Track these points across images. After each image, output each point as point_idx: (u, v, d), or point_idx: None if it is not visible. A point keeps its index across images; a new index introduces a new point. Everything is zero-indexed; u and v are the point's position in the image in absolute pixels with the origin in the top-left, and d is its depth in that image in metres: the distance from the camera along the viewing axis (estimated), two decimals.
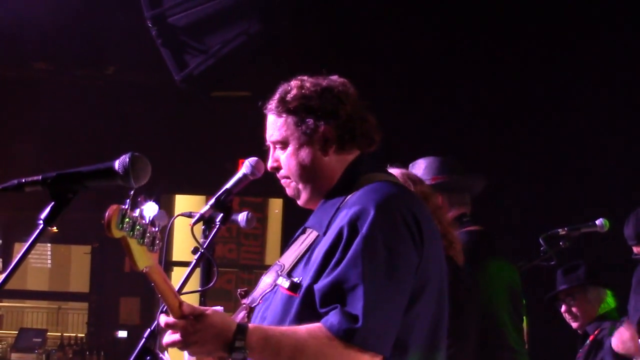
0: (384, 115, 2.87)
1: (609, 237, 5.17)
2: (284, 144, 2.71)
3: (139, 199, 2.19)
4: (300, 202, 2.78)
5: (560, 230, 5.08)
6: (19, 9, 7.17)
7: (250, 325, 2.43)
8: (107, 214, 2.09)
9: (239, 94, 8.89)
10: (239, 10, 6.53)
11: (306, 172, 2.70)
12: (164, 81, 7.20)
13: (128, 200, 2.13)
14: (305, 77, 2.74)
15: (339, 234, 2.50)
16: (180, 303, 2.38)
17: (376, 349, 2.42)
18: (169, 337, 2.40)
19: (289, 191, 2.76)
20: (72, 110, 9.06)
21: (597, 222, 5.09)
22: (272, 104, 2.72)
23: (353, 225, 2.49)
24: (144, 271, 2.26)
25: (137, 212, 2.17)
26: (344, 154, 2.70)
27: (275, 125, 2.72)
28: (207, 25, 6.56)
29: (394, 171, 3.34)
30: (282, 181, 2.77)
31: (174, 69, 6.69)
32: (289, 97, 2.70)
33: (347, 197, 2.60)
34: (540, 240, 5.07)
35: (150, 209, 2.23)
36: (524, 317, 4.53)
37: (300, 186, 2.73)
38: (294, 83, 2.72)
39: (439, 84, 7.75)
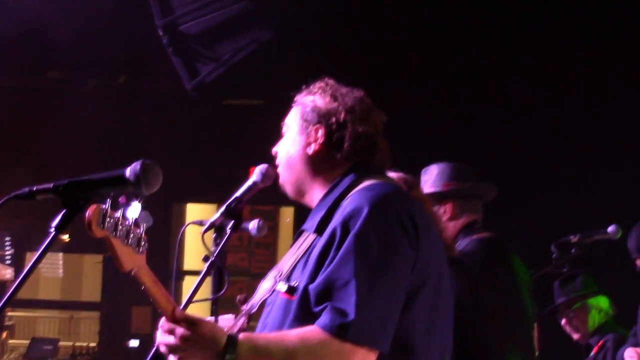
0: (395, 121, 2.88)
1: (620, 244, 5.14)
2: (287, 130, 2.82)
3: (119, 200, 2.20)
4: (288, 194, 2.84)
5: (572, 237, 5.06)
6: (32, 20, 7.20)
7: (240, 335, 2.41)
8: (87, 213, 2.10)
9: (250, 102, 8.91)
10: (250, 18, 6.53)
11: (288, 160, 2.78)
12: (175, 90, 7.20)
13: (108, 200, 2.14)
14: (330, 81, 2.83)
15: (333, 234, 2.50)
16: (174, 307, 2.38)
17: (370, 342, 2.40)
18: (162, 337, 2.40)
19: (279, 180, 2.85)
20: (84, 120, 9.09)
21: (610, 229, 5.07)
22: (298, 95, 2.84)
23: (346, 224, 2.49)
24: (132, 273, 2.26)
25: (119, 213, 2.17)
26: (333, 160, 2.73)
27: (290, 113, 2.84)
28: (218, 33, 6.57)
29: (391, 175, 3.35)
30: (278, 169, 2.86)
31: (185, 77, 6.69)
32: (309, 93, 2.81)
33: (342, 200, 2.62)
34: (553, 247, 5.05)
35: (134, 210, 2.23)
36: (535, 324, 4.51)
37: (282, 173, 2.81)
38: (319, 83, 2.82)
39: (452, 90, 7.74)
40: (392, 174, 3.38)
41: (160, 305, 2.37)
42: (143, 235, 2.27)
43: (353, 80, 2.87)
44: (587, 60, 7.34)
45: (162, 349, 2.42)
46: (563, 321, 5.53)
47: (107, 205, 2.13)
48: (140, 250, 2.27)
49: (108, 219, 2.14)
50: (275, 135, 2.89)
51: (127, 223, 2.21)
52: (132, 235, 2.23)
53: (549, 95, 7.59)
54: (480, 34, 7.35)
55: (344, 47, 7.49)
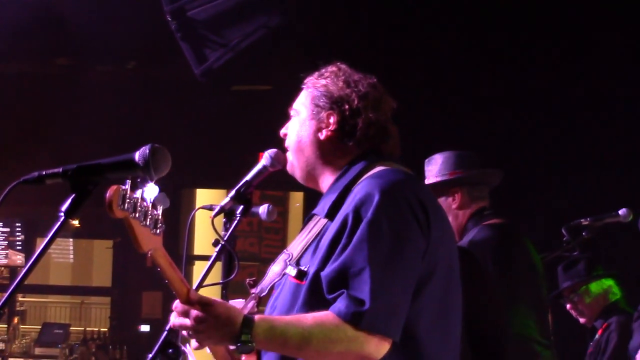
0: (400, 108, 2.87)
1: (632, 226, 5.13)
2: (297, 113, 2.80)
3: (138, 181, 2.20)
4: (297, 178, 2.84)
5: (583, 220, 5.05)
6: (40, 6, 7.19)
7: (256, 316, 2.42)
8: (107, 194, 2.10)
9: (259, 87, 8.90)
10: (258, 3, 6.51)
11: (298, 144, 2.78)
12: (183, 75, 7.19)
13: (128, 181, 2.14)
14: (343, 66, 2.81)
15: (344, 220, 2.51)
16: (188, 289, 2.38)
17: (384, 331, 2.41)
18: (176, 319, 2.40)
19: (288, 164, 2.84)
20: (92, 106, 9.09)
21: (621, 212, 5.06)
22: (307, 78, 2.82)
23: (358, 211, 2.49)
24: (148, 254, 2.26)
25: (137, 194, 2.18)
26: (344, 146, 2.72)
27: (300, 96, 2.82)
28: (227, 18, 6.55)
29: None
30: (287, 153, 2.85)
31: (194, 63, 6.67)
32: (320, 77, 2.78)
33: (353, 185, 2.61)
34: (563, 230, 5.05)
35: (151, 191, 2.23)
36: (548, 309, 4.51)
37: (292, 157, 2.81)
38: (331, 67, 2.80)
39: (456, 77, 7.72)
40: None
41: (175, 287, 2.37)
42: (160, 217, 2.27)
43: (361, 66, 2.86)
44: (598, 43, 7.30)
45: (174, 325, 2.42)
46: (568, 305, 5.53)
47: (126, 186, 2.13)
48: (157, 231, 2.27)
49: (127, 200, 2.14)
50: (284, 120, 2.89)
51: (145, 204, 2.21)
52: (149, 217, 2.23)
53: (559, 77, 7.56)
54: (488, 19, 7.31)
55: (353, 32, 7.47)
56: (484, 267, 4.03)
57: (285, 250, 2.74)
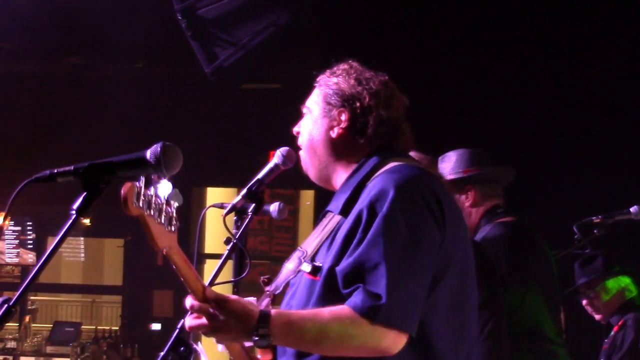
0: (412, 106, 2.87)
1: None
2: (309, 111, 2.81)
3: (152, 178, 2.19)
4: (311, 177, 2.85)
5: (594, 218, 5.04)
6: (50, 6, 7.21)
7: (272, 311, 2.43)
8: (122, 191, 2.10)
9: (269, 85, 8.89)
10: (267, 2, 6.51)
11: (311, 143, 2.78)
12: (194, 74, 7.20)
13: (142, 178, 2.14)
14: (354, 63, 2.82)
15: (359, 215, 2.51)
16: (204, 287, 2.38)
17: (401, 325, 2.41)
18: (193, 321, 2.40)
19: (302, 163, 2.85)
20: (103, 105, 9.10)
21: (632, 209, 5.04)
22: (320, 76, 2.83)
23: (373, 206, 2.49)
24: (164, 252, 2.26)
25: (151, 191, 2.17)
26: (356, 143, 2.73)
27: (312, 94, 2.83)
28: (237, 17, 6.54)
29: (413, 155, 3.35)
30: (300, 152, 2.86)
31: (204, 62, 6.67)
32: (332, 74, 2.79)
33: (367, 181, 2.62)
34: (575, 228, 5.03)
35: (164, 188, 2.23)
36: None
37: (305, 156, 2.82)
38: (343, 65, 2.81)
39: (469, 74, 7.71)
40: (414, 154, 3.38)
41: (190, 285, 2.37)
42: (174, 214, 2.27)
43: (371, 63, 2.86)
44: (612, 41, 7.28)
45: (190, 326, 2.42)
46: (584, 302, 5.52)
47: (141, 183, 2.13)
48: (172, 229, 2.27)
49: (142, 197, 2.14)
50: (294, 118, 2.89)
51: (159, 201, 2.21)
52: (164, 214, 2.23)
53: (573, 75, 7.54)
54: (505, 14, 7.29)
55: (363, 30, 7.46)
56: (496, 264, 4.02)
57: (299, 248, 2.74)
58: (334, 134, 2.74)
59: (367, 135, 2.72)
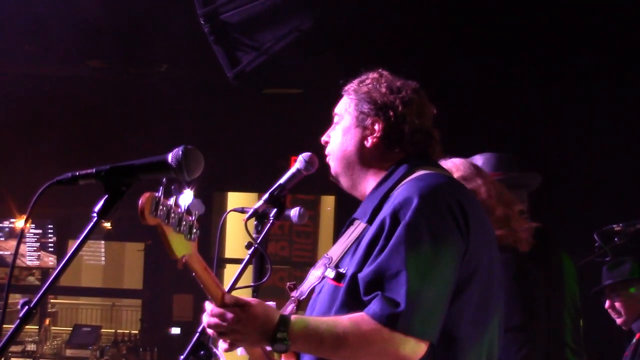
0: (439, 110, 2.86)
1: None
2: (340, 120, 2.79)
3: (172, 188, 2.20)
4: (342, 186, 2.82)
5: (615, 226, 5.01)
6: (72, 9, 7.23)
7: (292, 316, 2.43)
8: (140, 201, 2.10)
9: (291, 91, 8.89)
10: (291, 7, 6.51)
11: (343, 153, 2.76)
12: (216, 78, 7.21)
13: (161, 188, 2.13)
14: (384, 72, 2.81)
15: (382, 223, 2.50)
16: (223, 293, 2.38)
17: (420, 333, 2.40)
18: (212, 318, 2.40)
19: (332, 171, 2.82)
20: (124, 108, 9.13)
21: None
22: (348, 85, 2.81)
23: (396, 214, 2.48)
24: (183, 260, 2.26)
25: (171, 200, 2.18)
26: (389, 152, 2.72)
27: (341, 103, 2.82)
28: (259, 21, 6.55)
29: (456, 160, 3.35)
30: (327, 159, 2.83)
31: (226, 66, 6.68)
32: (362, 83, 2.78)
33: (394, 190, 2.60)
34: (595, 236, 5.00)
35: (186, 198, 2.23)
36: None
37: (337, 166, 2.80)
38: (372, 74, 2.81)
39: (493, 79, 7.68)
40: (457, 160, 3.38)
41: (210, 291, 2.37)
42: (195, 223, 2.27)
43: (394, 67, 2.85)
44: (629, 47, 7.24)
45: (209, 324, 2.41)
46: (607, 304, 5.49)
47: (159, 193, 2.13)
48: (192, 237, 2.27)
49: (161, 207, 2.14)
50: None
51: (179, 211, 2.21)
52: (184, 223, 2.23)
53: (588, 80, 7.50)
54: (529, 20, 7.26)
55: (386, 35, 7.45)
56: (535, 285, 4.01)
57: (325, 255, 2.74)
58: (368, 143, 2.73)
59: (401, 144, 2.71)
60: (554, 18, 7.19)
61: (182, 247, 2.24)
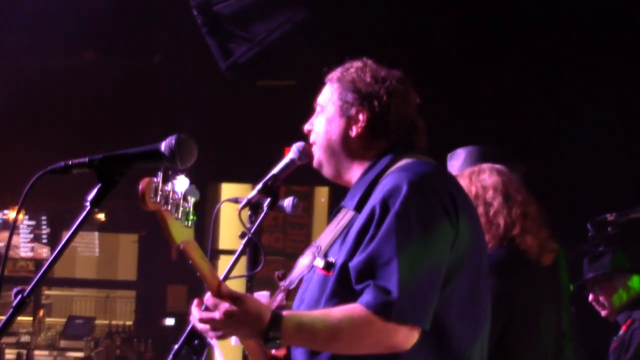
0: (425, 102, 2.86)
1: None
2: (323, 109, 2.79)
3: (169, 173, 2.20)
4: (325, 174, 2.83)
5: (608, 215, 5.01)
6: (70, 1, 7.23)
7: (284, 313, 2.42)
8: (140, 186, 2.11)
9: (284, 82, 8.89)
10: None
11: (328, 142, 2.76)
12: (209, 70, 7.21)
13: (160, 174, 2.14)
14: (369, 61, 2.80)
15: (372, 212, 2.50)
16: (219, 283, 2.38)
17: (413, 320, 2.41)
18: (204, 314, 2.40)
19: (314, 160, 2.83)
20: (118, 99, 9.12)
21: None
22: (332, 73, 2.81)
23: (385, 202, 2.49)
24: (180, 247, 2.27)
25: (169, 186, 2.18)
26: (374, 142, 2.72)
27: (324, 91, 2.81)
28: (252, 13, 6.55)
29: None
30: (312, 148, 2.83)
31: (220, 58, 6.69)
32: (346, 72, 2.77)
33: (381, 177, 2.61)
34: (588, 225, 5.01)
35: (181, 184, 2.23)
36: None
37: (320, 154, 2.80)
38: (356, 62, 2.79)
39: (479, 71, 7.68)
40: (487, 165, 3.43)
41: (206, 280, 2.38)
42: (191, 209, 2.28)
43: (387, 60, 2.85)
44: (623, 40, 7.25)
45: (202, 325, 2.41)
46: (590, 297, 5.50)
47: (158, 178, 2.14)
48: (189, 224, 2.28)
49: (159, 192, 2.15)
50: (309, 116, 2.88)
51: (176, 197, 2.22)
52: (181, 209, 2.24)
53: (580, 70, 7.51)
54: (525, 12, 7.26)
55: (378, 27, 7.45)
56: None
57: (313, 243, 2.74)
58: (352, 133, 2.73)
59: (386, 134, 2.71)
60: (544, 10, 7.19)
61: (181, 233, 2.25)
